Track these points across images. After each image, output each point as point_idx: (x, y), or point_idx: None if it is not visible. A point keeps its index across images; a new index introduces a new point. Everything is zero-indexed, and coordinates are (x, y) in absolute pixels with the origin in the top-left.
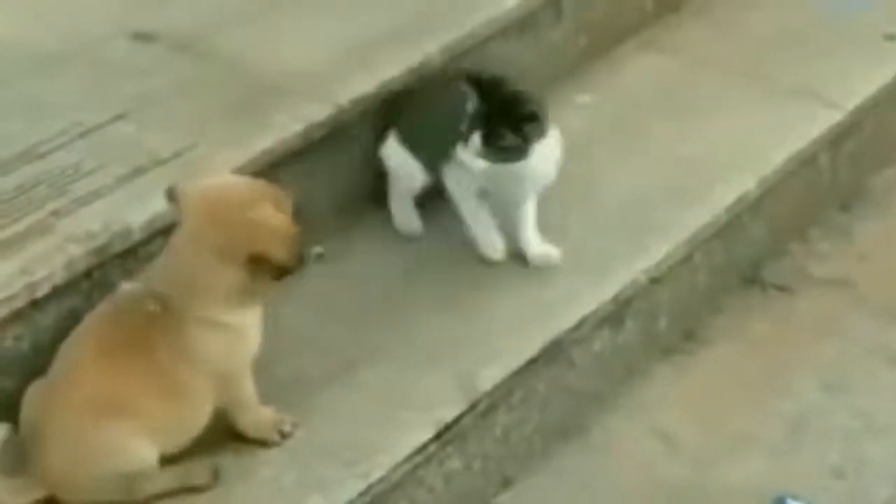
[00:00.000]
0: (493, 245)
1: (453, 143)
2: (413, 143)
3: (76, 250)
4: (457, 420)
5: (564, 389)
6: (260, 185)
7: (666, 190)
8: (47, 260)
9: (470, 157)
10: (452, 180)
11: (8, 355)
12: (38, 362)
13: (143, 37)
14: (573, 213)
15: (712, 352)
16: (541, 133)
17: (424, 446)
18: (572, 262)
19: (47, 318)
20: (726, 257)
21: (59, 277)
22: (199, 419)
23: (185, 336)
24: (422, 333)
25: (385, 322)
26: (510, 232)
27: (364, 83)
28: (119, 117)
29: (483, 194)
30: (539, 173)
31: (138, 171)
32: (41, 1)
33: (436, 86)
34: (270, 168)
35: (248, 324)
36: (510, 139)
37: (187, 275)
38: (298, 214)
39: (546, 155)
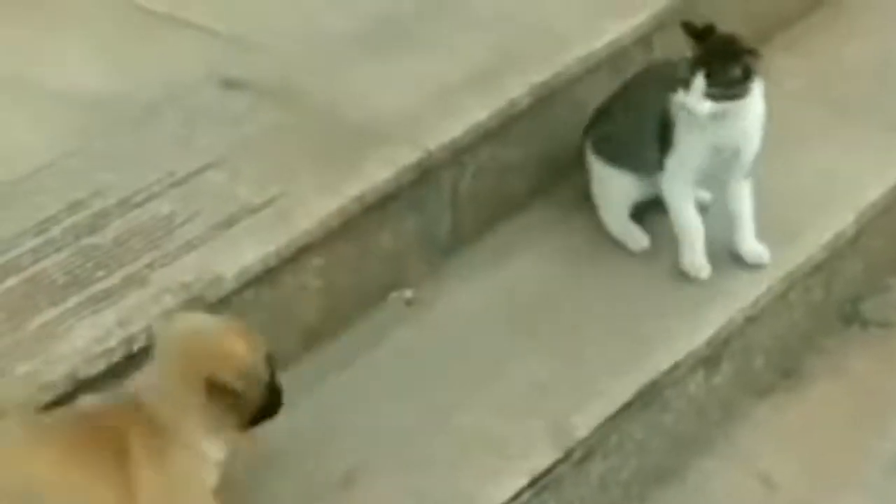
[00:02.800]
0: (699, 264)
1: (664, 139)
2: (616, 154)
3: (171, 301)
4: (552, 468)
5: (660, 433)
6: (230, 322)
7: (761, 226)
8: (143, 311)
9: (694, 101)
10: (669, 175)
11: None
12: None
13: (232, 84)
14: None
15: (811, 391)
16: (759, 68)
17: (518, 494)
18: (666, 303)
19: None
20: (824, 294)
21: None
22: None
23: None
24: (514, 378)
25: (476, 366)
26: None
27: (452, 127)
28: (210, 166)
29: (701, 179)
30: (757, 120)
31: (230, 221)
32: (132, 52)
33: (631, 89)
34: (361, 213)
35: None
36: (734, 71)
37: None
38: (271, 356)
39: (760, 102)
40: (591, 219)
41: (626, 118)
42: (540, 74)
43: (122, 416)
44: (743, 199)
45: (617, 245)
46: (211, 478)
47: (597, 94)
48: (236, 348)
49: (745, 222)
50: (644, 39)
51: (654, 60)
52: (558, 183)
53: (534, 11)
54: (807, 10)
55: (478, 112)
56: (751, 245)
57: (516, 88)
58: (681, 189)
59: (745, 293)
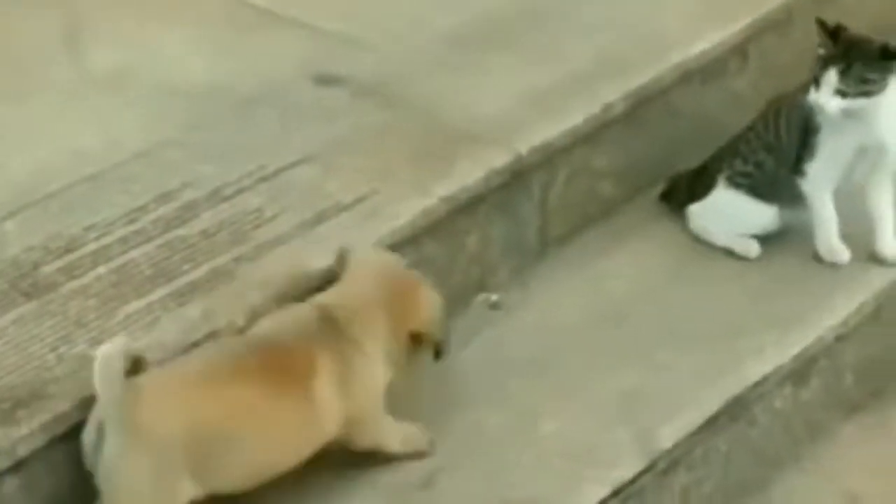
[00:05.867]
0: (838, 248)
1: (805, 144)
2: (758, 186)
3: (257, 297)
4: (635, 478)
5: (746, 447)
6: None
7: (853, 245)
8: (228, 306)
9: (825, 98)
10: (810, 179)
11: None
12: None
13: (328, 81)
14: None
15: None
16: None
17: None
18: (757, 315)
19: None
20: None
21: (240, 323)
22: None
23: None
24: (601, 385)
25: (562, 372)
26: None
27: (544, 131)
28: (302, 161)
29: (845, 176)
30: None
31: (320, 217)
32: (233, 45)
33: (763, 119)
34: (450, 214)
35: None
36: (869, 68)
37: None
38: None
39: None
40: (682, 225)
41: (766, 152)
42: (636, 80)
43: (308, 330)
44: (885, 198)
45: (709, 253)
46: (382, 384)
47: (691, 101)
48: (433, 303)
49: (887, 223)
50: (740, 48)
51: (780, 93)
52: (650, 188)
53: (636, 17)
54: None
55: (572, 116)
56: (892, 245)
57: (612, 93)
58: (823, 186)
59: (837, 310)
